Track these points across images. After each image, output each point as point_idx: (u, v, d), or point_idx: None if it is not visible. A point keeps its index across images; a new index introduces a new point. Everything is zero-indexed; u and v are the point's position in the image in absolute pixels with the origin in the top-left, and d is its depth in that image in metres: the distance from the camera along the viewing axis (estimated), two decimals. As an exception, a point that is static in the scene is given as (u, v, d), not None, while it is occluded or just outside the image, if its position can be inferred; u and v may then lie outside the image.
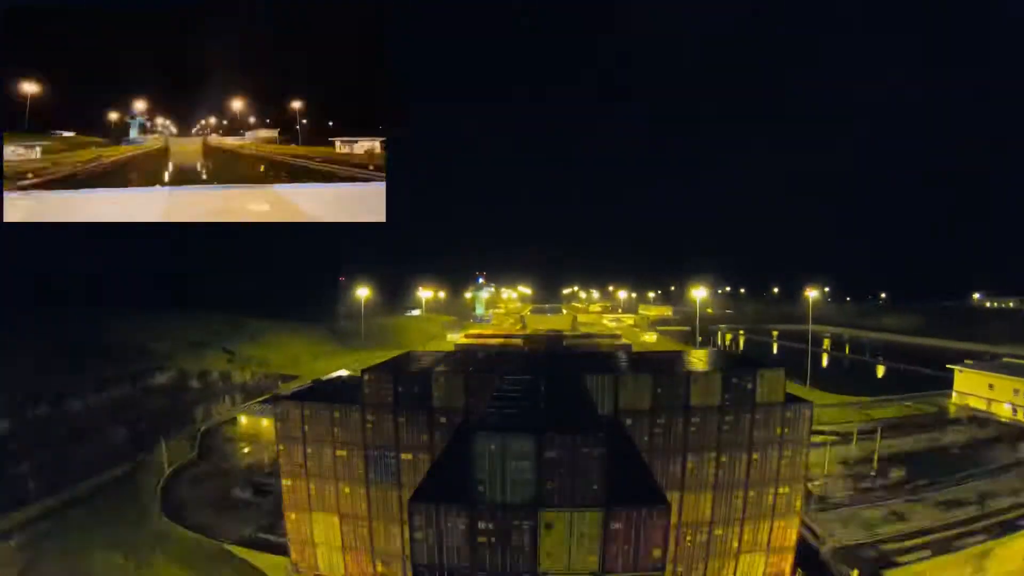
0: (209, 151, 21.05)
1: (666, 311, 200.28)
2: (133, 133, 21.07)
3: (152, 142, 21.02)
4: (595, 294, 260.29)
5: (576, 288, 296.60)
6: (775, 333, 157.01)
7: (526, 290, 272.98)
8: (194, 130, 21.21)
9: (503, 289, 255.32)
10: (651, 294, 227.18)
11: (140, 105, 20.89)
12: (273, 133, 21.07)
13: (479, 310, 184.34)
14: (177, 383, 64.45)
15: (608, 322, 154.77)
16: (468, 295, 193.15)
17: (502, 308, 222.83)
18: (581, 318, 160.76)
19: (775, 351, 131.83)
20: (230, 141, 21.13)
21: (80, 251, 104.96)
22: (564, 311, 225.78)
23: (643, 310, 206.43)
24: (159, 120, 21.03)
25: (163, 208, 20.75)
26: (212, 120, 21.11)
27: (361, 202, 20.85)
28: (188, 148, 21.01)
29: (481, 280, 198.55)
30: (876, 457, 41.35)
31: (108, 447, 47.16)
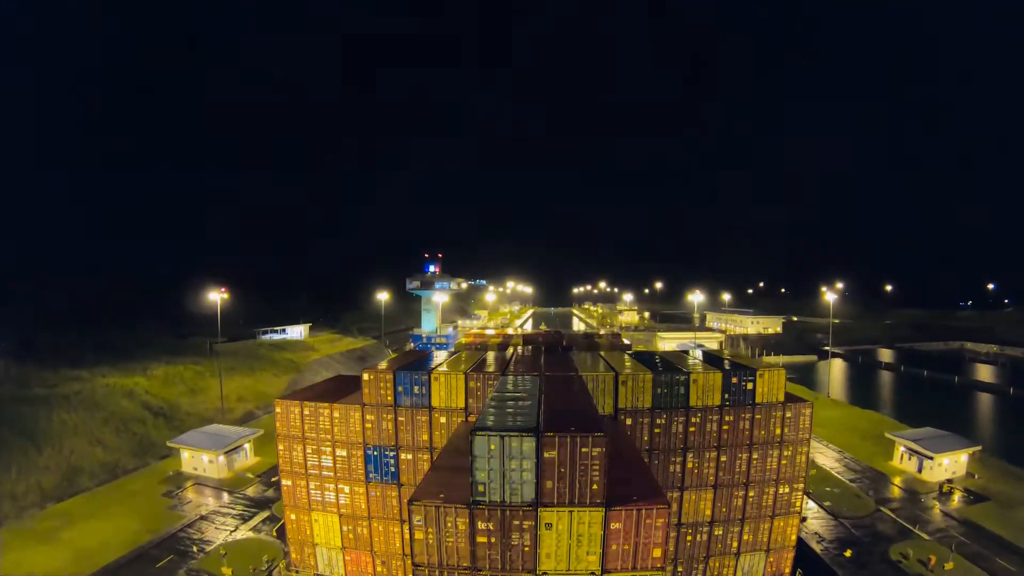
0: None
1: (773, 325, 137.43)
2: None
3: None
4: (628, 296, 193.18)
5: (590, 287, 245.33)
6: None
7: (527, 289, 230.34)
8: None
9: (491, 288, 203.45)
10: (725, 295, 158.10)
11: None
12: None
13: (428, 323, 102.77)
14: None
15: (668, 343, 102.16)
16: (413, 289, 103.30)
17: (484, 315, 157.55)
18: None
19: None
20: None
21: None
22: (576, 314, 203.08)
23: (724, 321, 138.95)
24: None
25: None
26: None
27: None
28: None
29: (433, 268, 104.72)
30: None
31: None
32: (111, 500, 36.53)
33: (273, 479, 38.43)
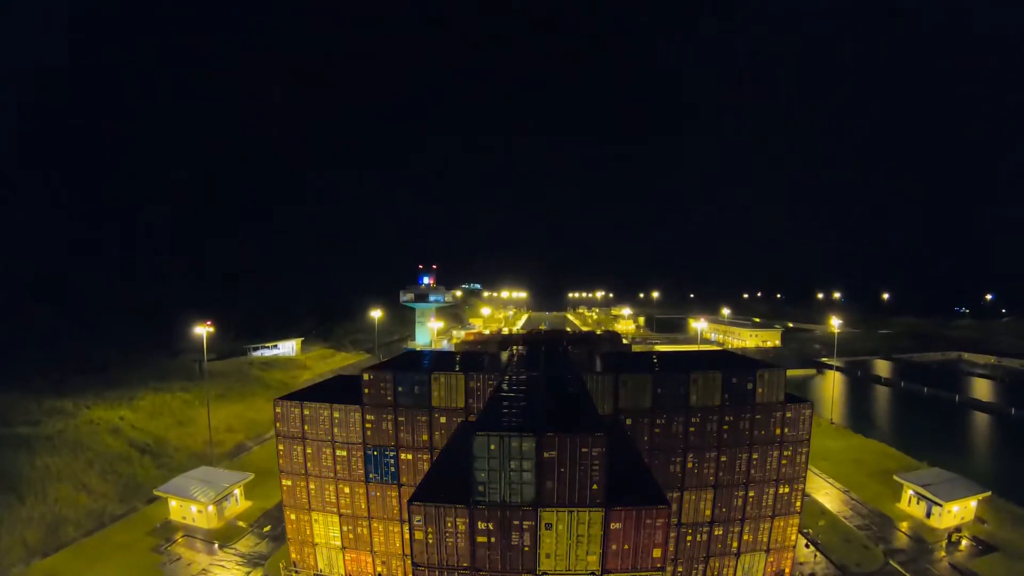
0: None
1: (772, 337, 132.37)
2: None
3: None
4: (626, 311, 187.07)
5: (586, 293, 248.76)
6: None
7: (521, 293, 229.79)
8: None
9: (486, 294, 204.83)
10: (725, 310, 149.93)
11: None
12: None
13: (422, 337, 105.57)
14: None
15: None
16: (407, 302, 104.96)
17: (479, 325, 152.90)
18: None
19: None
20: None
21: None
22: (571, 319, 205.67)
23: (722, 333, 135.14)
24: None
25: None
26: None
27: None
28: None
29: (428, 280, 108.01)
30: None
31: None
32: (98, 555, 34.31)
33: (265, 529, 37.44)
